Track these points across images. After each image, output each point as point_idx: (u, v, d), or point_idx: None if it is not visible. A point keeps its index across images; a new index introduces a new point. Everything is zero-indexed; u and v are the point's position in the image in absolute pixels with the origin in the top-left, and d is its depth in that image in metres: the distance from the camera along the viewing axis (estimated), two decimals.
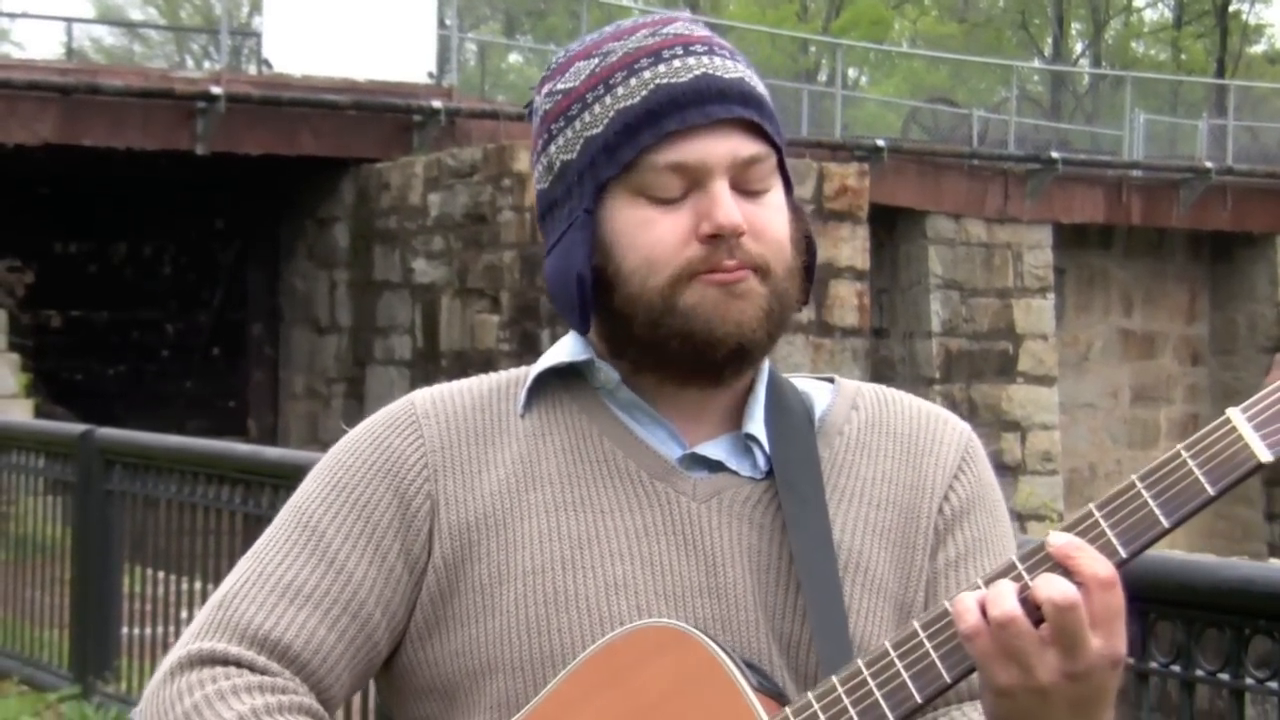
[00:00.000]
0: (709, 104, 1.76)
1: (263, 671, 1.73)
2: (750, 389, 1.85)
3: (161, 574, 7.36)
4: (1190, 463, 1.59)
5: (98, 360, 22.41)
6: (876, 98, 42.13)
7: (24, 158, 19.06)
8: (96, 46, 50.20)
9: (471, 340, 18.18)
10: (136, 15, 56.55)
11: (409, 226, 19.81)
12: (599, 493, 1.79)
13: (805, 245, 1.85)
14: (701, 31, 1.83)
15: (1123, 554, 1.59)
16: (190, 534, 7.10)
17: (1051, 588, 1.54)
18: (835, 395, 1.90)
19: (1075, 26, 54.04)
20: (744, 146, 1.77)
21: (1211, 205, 25.52)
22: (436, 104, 20.57)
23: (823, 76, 38.69)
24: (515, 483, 1.79)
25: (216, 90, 19.77)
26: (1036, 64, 48.20)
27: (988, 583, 1.59)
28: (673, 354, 1.77)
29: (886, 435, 1.88)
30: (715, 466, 1.81)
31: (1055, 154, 24.88)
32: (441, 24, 23.19)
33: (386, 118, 20.55)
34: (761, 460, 1.82)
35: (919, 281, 22.76)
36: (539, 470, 1.80)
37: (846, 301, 19.71)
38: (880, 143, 23.41)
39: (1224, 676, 3.28)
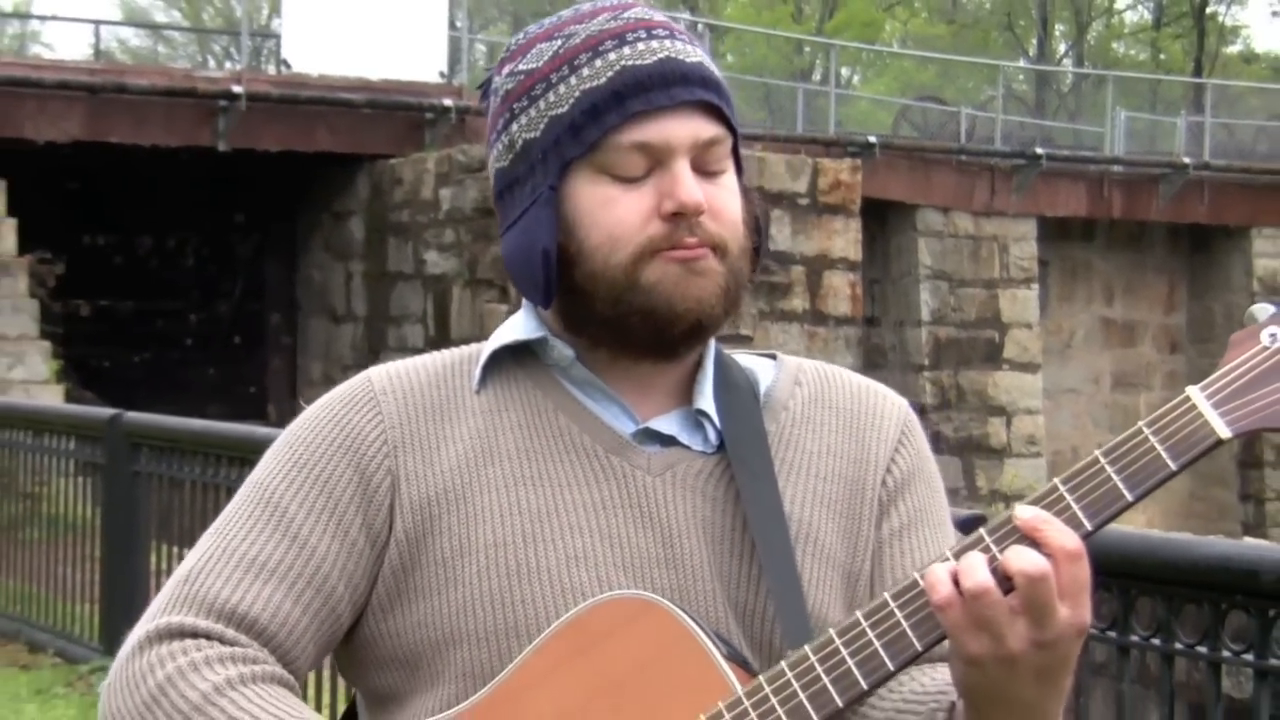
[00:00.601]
0: (673, 86, 1.74)
1: (231, 643, 1.70)
2: (699, 365, 1.83)
3: (186, 551, 7.39)
4: (1152, 439, 1.58)
5: (124, 348, 22.40)
6: (868, 96, 42.12)
7: (53, 154, 19.08)
8: (123, 47, 50.21)
9: (481, 329, 18.17)
10: (161, 17, 56.54)
11: (421, 220, 19.80)
12: (556, 467, 1.76)
13: (755, 226, 1.82)
14: (661, 17, 1.81)
15: (1088, 526, 1.57)
16: (213, 513, 7.07)
17: (1022, 560, 1.52)
18: (779, 371, 1.89)
19: (1059, 28, 53.99)
20: (705, 129, 1.75)
21: (1189, 199, 25.50)
22: (447, 102, 20.56)
23: (817, 75, 38.67)
24: (473, 458, 1.76)
25: (237, 89, 19.79)
26: (1022, 64, 48.13)
27: (957, 555, 1.57)
28: (633, 330, 1.75)
29: (829, 410, 1.86)
30: (668, 441, 1.79)
31: (1040, 150, 24.90)
32: (452, 25, 23.18)
33: (399, 115, 20.55)
34: (712, 435, 1.79)
35: (909, 272, 22.76)
36: (496, 446, 1.77)
37: (840, 291, 19.73)
38: (872, 139, 23.42)
39: (1202, 650, 3.29)
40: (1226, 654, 3.22)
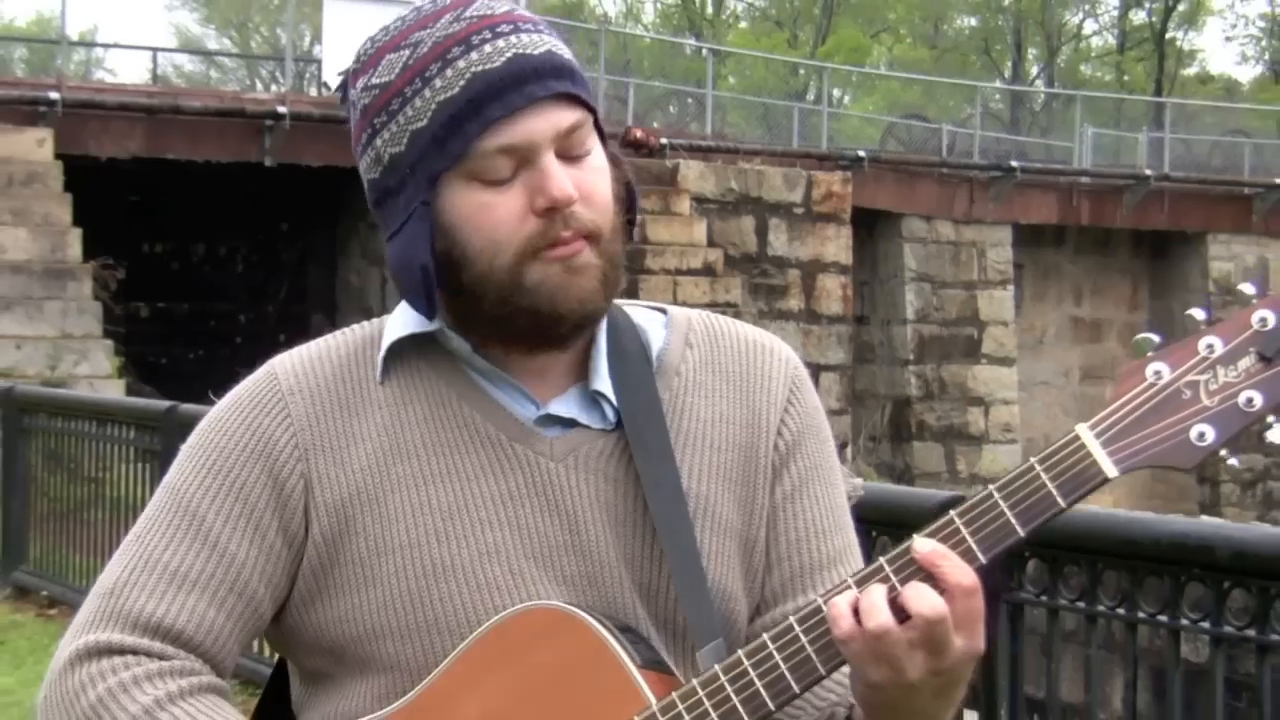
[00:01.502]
0: (526, 84, 1.62)
1: (159, 656, 1.63)
2: (592, 341, 1.73)
3: None
4: (1044, 476, 1.52)
5: (179, 346, 22.44)
6: (858, 114, 42.05)
7: (115, 169, 19.10)
8: (178, 72, 50.24)
9: None
10: (213, 45, 56.64)
11: None
12: (464, 460, 1.67)
13: (626, 194, 1.72)
14: (503, 9, 1.68)
15: (981, 559, 1.52)
16: None
17: (922, 602, 1.48)
18: (669, 332, 1.78)
19: (1031, 51, 53.94)
20: (563, 117, 1.64)
21: (1151, 208, 25.49)
22: None
23: (811, 95, 38.60)
24: (382, 455, 1.67)
25: (282, 109, 19.83)
26: (998, 84, 48.08)
27: (859, 583, 1.52)
28: (520, 328, 1.66)
29: (720, 376, 1.76)
30: (568, 423, 1.70)
31: (1014, 163, 24.86)
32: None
33: None
34: (610, 411, 1.70)
35: (895, 275, 22.75)
36: (404, 441, 1.68)
37: (832, 293, 19.74)
38: (861, 153, 23.40)
39: (1163, 619, 3.29)
40: (1185, 622, 3.22)
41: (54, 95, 18.48)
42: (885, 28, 53.64)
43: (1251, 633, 3.06)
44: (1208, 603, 3.17)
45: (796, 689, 1.55)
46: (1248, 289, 1.53)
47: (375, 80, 1.69)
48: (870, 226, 22.12)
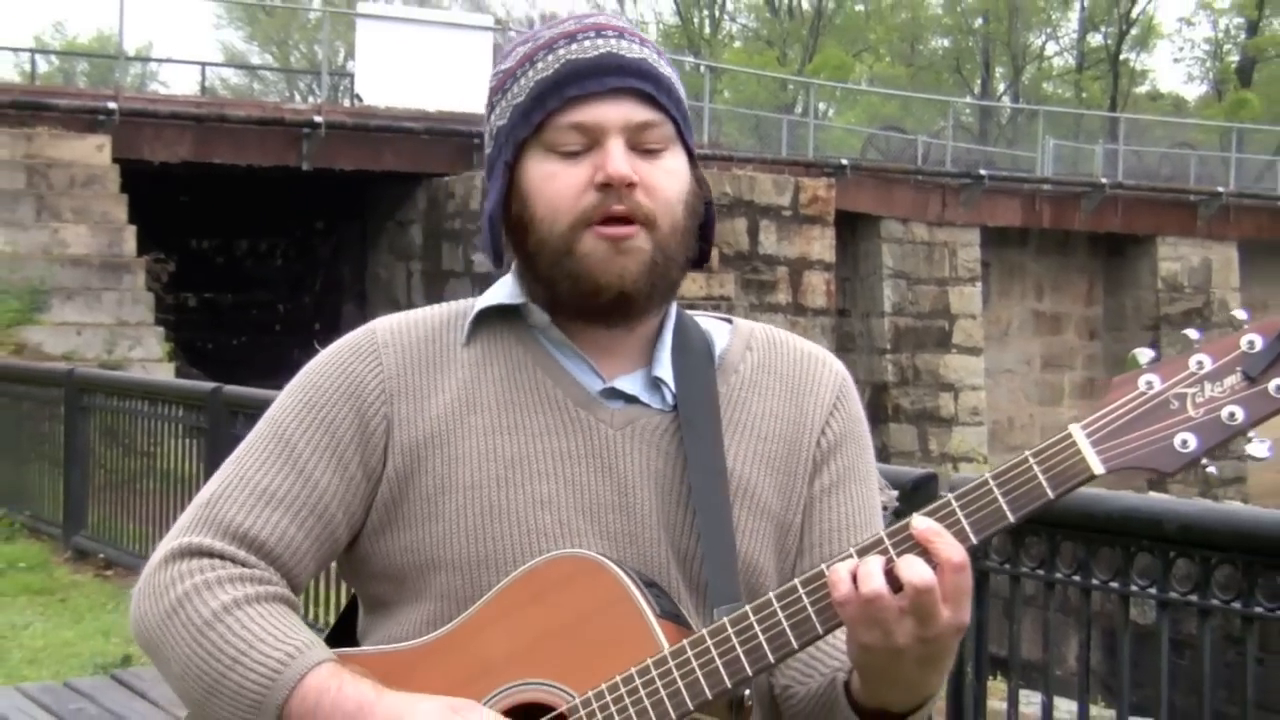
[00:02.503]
0: (607, 76, 1.68)
1: (242, 564, 1.67)
2: (660, 330, 1.77)
3: None
4: (1036, 469, 1.52)
5: (224, 333, 22.45)
6: (841, 125, 41.98)
7: (167, 172, 19.11)
8: (224, 84, 50.14)
9: None
10: (255, 60, 56.55)
11: (470, 227, 19.80)
12: (531, 418, 1.70)
13: (704, 211, 1.76)
14: (619, 22, 1.74)
15: (973, 540, 1.52)
16: None
17: (912, 571, 1.47)
18: (733, 336, 1.82)
19: (999, 70, 53.84)
20: (637, 113, 1.68)
21: (1106, 212, 25.49)
22: None
23: (799, 109, 38.57)
24: (458, 407, 1.71)
25: (318, 119, 19.83)
26: (968, 100, 48.00)
27: (860, 553, 1.52)
28: (564, 294, 1.70)
29: (774, 376, 1.79)
30: (629, 399, 1.73)
31: (983, 171, 24.84)
32: (494, 66, 23.12)
33: (452, 140, 20.54)
34: (669, 396, 1.73)
35: (874, 272, 22.74)
36: (479, 396, 1.71)
37: (816, 288, 19.72)
38: (844, 161, 23.41)
39: (1114, 585, 3.29)
40: (1134, 589, 3.22)
41: (112, 105, 18.49)
42: (866, 47, 53.56)
43: (1194, 598, 3.07)
44: (1155, 571, 3.17)
45: (795, 645, 1.56)
46: (1240, 314, 1.52)
47: (501, 67, 1.77)
48: (852, 228, 22.10)
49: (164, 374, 14.19)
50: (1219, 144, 34.20)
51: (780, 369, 1.81)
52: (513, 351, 1.74)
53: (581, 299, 1.69)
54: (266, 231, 23.33)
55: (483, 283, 18.04)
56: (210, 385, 8.40)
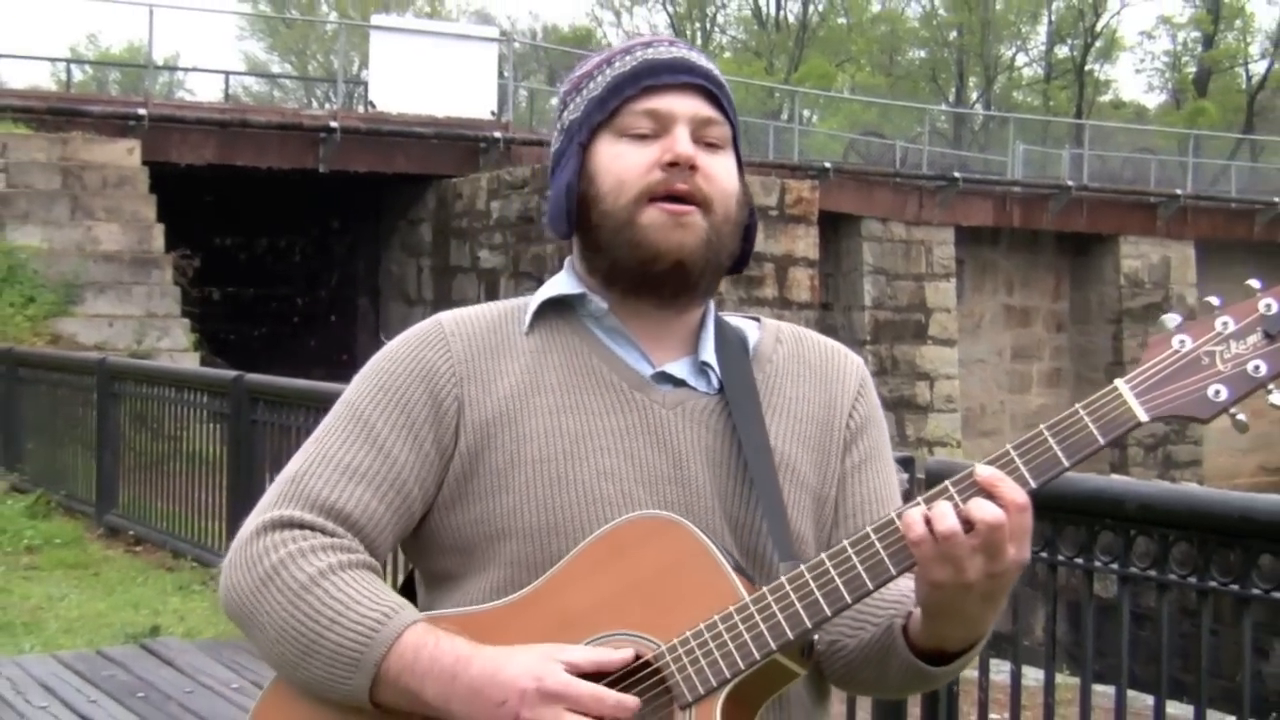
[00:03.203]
0: (680, 73, 1.74)
1: (330, 534, 1.68)
2: (702, 323, 1.80)
3: None
4: (1087, 419, 1.55)
5: (246, 324, 22.45)
6: (824, 131, 41.95)
7: (192, 175, 19.12)
8: (246, 92, 50.19)
9: None
10: (276, 69, 56.46)
11: (476, 226, 19.80)
12: (590, 398, 1.73)
13: (748, 213, 1.80)
14: (686, 43, 1.83)
15: (1033, 485, 1.54)
16: None
17: (984, 510, 1.50)
18: (762, 332, 1.85)
19: (972, 79, 53.83)
20: (703, 109, 1.74)
21: (1072, 213, 25.51)
22: (497, 134, 20.58)
23: (784, 115, 38.49)
24: (523, 389, 1.73)
25: (334, 124, 19.85)
26: (943, 107, 48.00)
27: (928, 501, 1.54)
28: (625, 263, 1.73)
29: (804, 365, 1.83)
30: (678, 383, 1.76)
31: (957, 174, 24.87)
32: (500, 75, 23.14)
33: (460, 144, 20.55)
34: (714, 380, 1.76)
35: (855, 268, 22.75)
36: (542, 379, 1.73)
37: (801, 283, 19.70)
38: (827, 165, 23.45)
39: (1079, 561, 3.29)
40: (1098, 564, 3.22)
41: (141, 111, 18.52)
42: (848, 58, 53.52)
43: (1153, 573, 3.07)
44: (1117, 547, 3.18)
45: (870, 586, 1.57)
46: (1213, 300, 1.58)
47: (576, 72, 1.82)
48: (834, 227, 22.10)
49: (189, 363, 14.19)
50: (1177, 149, 34.20)
51: (809, 359, 1.85)
52: (569, 340, 1.77)
53: (639, 266, 1.72)
54: (286, 230, 23.33)
55: (488, 278, 18.08)
56: (233, 373, 8.40)
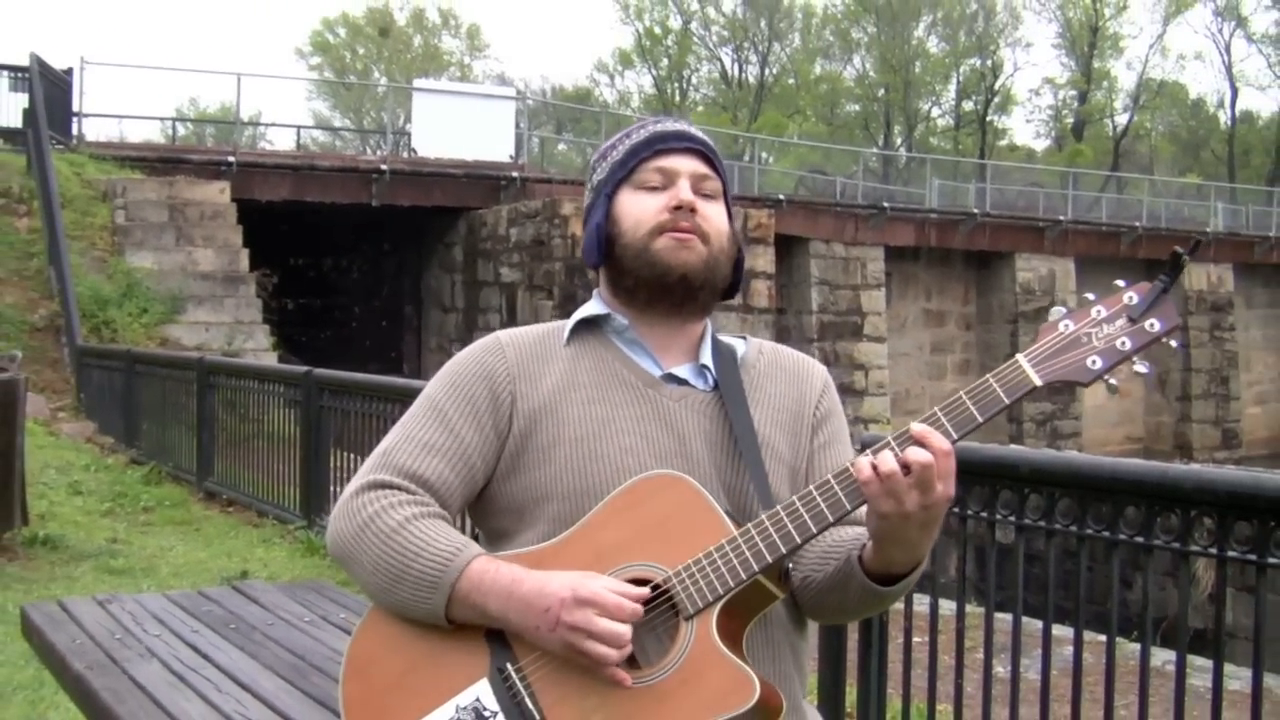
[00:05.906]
0: (683, 140, 1.84)
1: (414, 494, 1.74)
2: (702, 336, 1.86)
3: (352, 456, 7.38)
4: (994, 384, 1.60)
5: (315, 329, 22.43)
6: (779, 169, 41.89)
7: (271, 209, 19.08)
8: (314, 141, 49.98)
9: (536, 317, 18.17)
10: (338, 123, 56.32)
11: (498, 248, 19.78)
12: (614, 393, 1.79)
13: (737, 251, 1.87)
14: (687, 121, 1.92)
15: (955, 436, 1.59)
16: (374, 433, 7.11)
17: (917, 455, 1.55)
18: (748, 346, 1.91)
19: (897, 127, 53.86)
20: (700, 167, 1.83)
21: (977, 235, 25.54)
22: (514, 174, 20.55)
23: (746, 157, 38.46)
24: (562, 386, 1.79)
25: (384, 167, 19.81)
26: (874, 150, 47.98)
27: (874, 451, 1.58)
28: (645, 280, 1.79)
29: (780, 370, 1.89)
30: (682, 382, 1.82)
31: (885, 204, 24.86)
32: (517, 126, 23.13)
33: (485, 182, 20.52)
34: (710, 380, 1.83)
35: (804, 280, 22.75)
36: (576, 379, 1.80)
37: (761, 293, 19.71)
38: (781, 197, 23.43)
39: (983, 515, 3.28)
40: (998, 517, 3.23)
41: (231, 159, 18.48)
42: (797, 110, 53.57)
43: (1042, 524, 3.08)
44: (1014, 503, 3.18)
45: (831, 518, 1.62)
46: (1090, 296, 1.62)
47: (602, 147, 1.92)
48: (788, 247, 22.11)
49: (269, 360, 14.17)
50: (1060, 184, 34.22)
51: (784, 365, 1.91)
52: (598, 349, 1.83)
53: (655, 279, 1.79)
54: (346, 252, 23.30)
55: (508, 290, 17.99)
56: (304, 369, 8.38)
